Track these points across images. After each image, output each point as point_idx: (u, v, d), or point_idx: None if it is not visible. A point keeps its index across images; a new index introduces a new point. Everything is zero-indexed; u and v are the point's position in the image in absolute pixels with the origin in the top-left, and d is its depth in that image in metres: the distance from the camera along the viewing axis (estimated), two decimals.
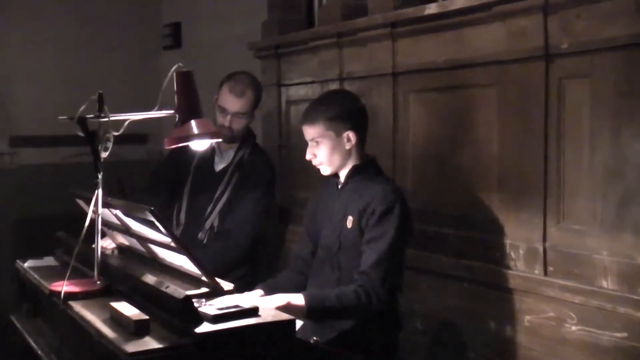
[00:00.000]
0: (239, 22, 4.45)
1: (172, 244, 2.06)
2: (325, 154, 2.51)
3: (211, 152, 3.30)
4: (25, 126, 5.04)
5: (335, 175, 2.60)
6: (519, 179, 2.57)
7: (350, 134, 2.49)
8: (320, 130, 2.49)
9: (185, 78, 2.25)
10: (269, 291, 2.43)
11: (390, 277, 2.37)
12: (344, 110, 2.50)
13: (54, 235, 2.75)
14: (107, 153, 2.14)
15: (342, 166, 2.55)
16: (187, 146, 2.92)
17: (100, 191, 2.16)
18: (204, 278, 2.06)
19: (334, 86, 3.41)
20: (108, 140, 2.12)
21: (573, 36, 2.34)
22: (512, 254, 2.59)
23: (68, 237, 2.64)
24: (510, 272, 2.58)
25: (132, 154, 5.16)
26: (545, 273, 2.47)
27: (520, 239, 2.56)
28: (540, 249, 2.48)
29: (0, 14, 5.00)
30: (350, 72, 3.38)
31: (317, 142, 2.51)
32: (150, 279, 1.99)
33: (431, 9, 2.83)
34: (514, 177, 2.59)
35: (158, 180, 3.44)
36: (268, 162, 3.35)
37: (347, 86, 3.31)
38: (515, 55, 2.53)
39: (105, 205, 2.22)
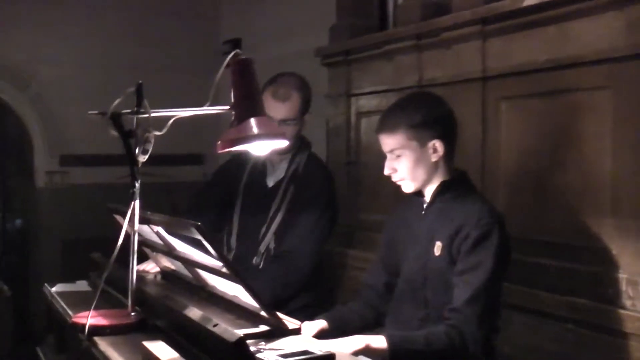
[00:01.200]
0: (304, 35, 4.33)
1: (223, 269, 1.81)
2: (407, 167, 2.28)
3: (262, 167, 3.07)
4: (76, 145, 5.15)
5: (419, 194, 2.36)
6: (638, 202, 2.33)
7: (437, 144, 2.26)
8: (401, 140, 2.26)
9: (244, 67, 1.98)
10: (333, 323, 2.31)
11: (487, 315, 2.15)
12: (428, 116, 2.27)
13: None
14: (146, 156, 1.88)
15: (427, 182, 2.32)
16: (237, 163, 2.61)
17: (137, 203, 1.87)
18: (263, 313, 1.81)
19: None
20: (147, 141, 1.83)
21: None
22: (630, 291, 2.34)
23: (104, 259, 2.45)
24: (626, 312, 2.33)
25: (187, 175, 5.28)
26: None
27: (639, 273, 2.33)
28: None
29: (55, 34, 5.12)
30: (431, 78, 3.18)
31: (397, 154, 2.29)
32: (194, 313, 1.76)
33: None
34: (631, 199, 2.36)
35: (203, 201, 3.20)
36: (326, 172, 3.10)
37: None
38: (635, 51, 2.30)
39: (144, 220, 1.94)
